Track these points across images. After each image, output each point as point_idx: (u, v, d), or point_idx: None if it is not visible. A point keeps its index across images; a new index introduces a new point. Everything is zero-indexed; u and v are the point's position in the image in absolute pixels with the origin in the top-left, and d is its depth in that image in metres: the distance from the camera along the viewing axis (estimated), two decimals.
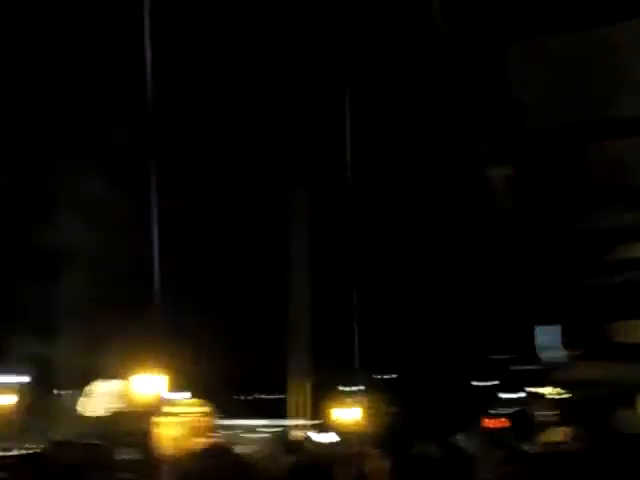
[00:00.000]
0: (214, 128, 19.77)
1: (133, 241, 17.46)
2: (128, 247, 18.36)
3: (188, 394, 17.73)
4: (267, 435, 18.10)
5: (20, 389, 22.34)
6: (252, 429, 18.88)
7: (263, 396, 23.27)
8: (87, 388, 19.12)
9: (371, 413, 18.40)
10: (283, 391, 22.08)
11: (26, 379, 22.09)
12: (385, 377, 22.75)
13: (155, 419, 15.17)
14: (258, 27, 19.25)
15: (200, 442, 14.92)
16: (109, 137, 18.61)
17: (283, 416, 21.22)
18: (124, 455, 13.89)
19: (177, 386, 16.74)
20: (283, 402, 21.97)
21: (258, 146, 20.30)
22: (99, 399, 18.76)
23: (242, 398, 22.36)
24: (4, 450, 14.04)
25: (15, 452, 13.49)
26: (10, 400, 21.91)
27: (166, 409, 15.62)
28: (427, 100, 17.86)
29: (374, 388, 20.25)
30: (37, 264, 20.05)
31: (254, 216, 20.98)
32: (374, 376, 21.57)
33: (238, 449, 15.87)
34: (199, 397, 17.00)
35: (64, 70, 19.14)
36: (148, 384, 15.85)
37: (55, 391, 21.30)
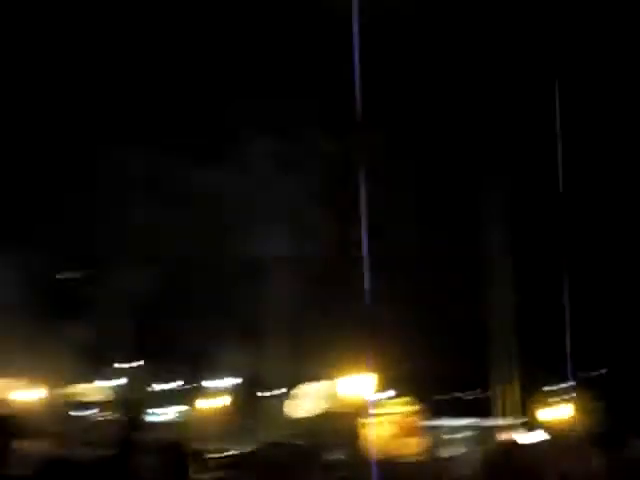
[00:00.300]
0: (415, 122, 19.79)
1: (337, 241, 17.75)
2: (331, 249, 18.66)
3: (393, 393, 17.81)
4: (472, 435, 17.96)
5: (231, 391, 23.09)
6: (457, 429, 18.77)
7: (465, 395, 23.05)
8: (295, 390, 19.57)
9: (581, 411, 17.97)
10: (485, 389, 21.84)
11: (237, 382, 22.82)
12: (594, 373, 22.10)
13: (363, 419, 15.33)
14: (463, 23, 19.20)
15: (410, 442, 15.00)
16: (318, 144, 18.93)
17: (487, 415, 20.98)
18: (332, 455, 14.14)
19: (383, 386, 16.86)
20: (485, 401, 21.73)
21: (457, 140, 20.21)
22: (307, 400, 19.14)
23: (444, 397, 22.23)
24: (219, 450, 14.48)
25: (229, 452, 13.95)
26: (223, 402, 22.71)
27: (374, 409, 15.76)
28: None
29: (583, 385, 19.76)
30: (244, 270, 20.61)
31: (453, 213, 20.87)
32: (583, 372, 21.00)
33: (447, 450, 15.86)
34: (404, 397, 17.05)
35: (275, 74, 19.58)
36: (355, 385, 16.06)
37: (264, 393, 21.84)
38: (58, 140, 20.44)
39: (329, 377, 18.77)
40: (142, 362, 25.98)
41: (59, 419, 19.76)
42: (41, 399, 23.99)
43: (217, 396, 23.22)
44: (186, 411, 23.81)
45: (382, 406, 16.24)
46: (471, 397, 22.57)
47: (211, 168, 19.78)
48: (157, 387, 24.68)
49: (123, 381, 23.87)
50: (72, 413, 22.47)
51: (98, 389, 24.68)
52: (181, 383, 26.58)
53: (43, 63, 20.12)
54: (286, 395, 21.26)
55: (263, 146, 19.81)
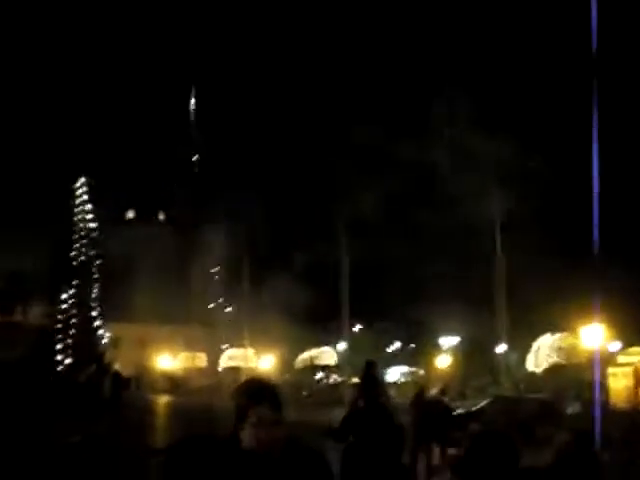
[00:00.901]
0: None
1: (564, 198, 17.35)
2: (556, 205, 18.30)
3: (621, 345, 17.32)
4: None
5: (453, 350, 23.11)
6: None
7: None
8: (527, 344, 19.30)
9: None
10: None
11: (462, 340, 22.81)
12: None
13: (598, 370, 14.92)
14: None
15: None
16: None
17: None
18: (569, 408, 13.85)
19: (615, 337, 16.41)
20: None
21: None
22: (539, 354, 18.86)
23: None
24: (454, 407, 14.45)
25: (461, 409, 13.91)
26: (451, 360, 22.77)
27: (614, 359, 15.40)
28: None
29: None
30: (464, 232, 20.60)
31: None
32: None
33: None
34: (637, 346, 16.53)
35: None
36: (593, 336, 15.61)
37: (492, 349, 21.71)
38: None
39: (560, 331, 18.42)
40: (362, 326, 26.47)
41: (300, 384, 20.36)
42: (275, 366, 24.94)
43: (443, 354, 23.30)
44: (413, 371, 24.06)
45: (618, 356, 15.84)
46: None
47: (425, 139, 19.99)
48: (383, 349, 25.07)
49: (347, 345, 24.38)
50: (314, 378, 23.30)
51: (326, 354, 25.34)
52: (401, 345, 26.88)
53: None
54: (515, 350, 21.05)
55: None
